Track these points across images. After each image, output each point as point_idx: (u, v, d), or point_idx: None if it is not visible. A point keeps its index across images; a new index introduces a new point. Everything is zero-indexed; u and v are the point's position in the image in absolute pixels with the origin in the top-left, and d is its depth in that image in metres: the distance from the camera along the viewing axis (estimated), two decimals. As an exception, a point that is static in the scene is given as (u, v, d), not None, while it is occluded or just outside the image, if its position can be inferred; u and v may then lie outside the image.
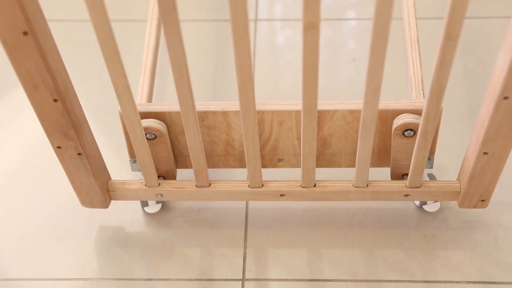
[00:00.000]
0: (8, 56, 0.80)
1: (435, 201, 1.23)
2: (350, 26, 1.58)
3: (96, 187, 1.09)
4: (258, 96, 1.42)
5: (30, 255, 1.22)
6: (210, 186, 1.13)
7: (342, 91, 1.43)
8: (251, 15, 1.58)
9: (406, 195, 1.13)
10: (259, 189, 1.13)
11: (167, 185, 1.14)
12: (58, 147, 0.98)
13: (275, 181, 1.14)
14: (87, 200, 1.13)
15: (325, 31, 1.55)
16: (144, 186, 1.13)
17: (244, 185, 1.13)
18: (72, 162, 1.02)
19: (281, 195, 1.14)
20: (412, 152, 1.09)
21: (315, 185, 1.13)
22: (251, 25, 1.56)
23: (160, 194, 1.14)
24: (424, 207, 1.24)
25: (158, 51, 1.29)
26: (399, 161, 1.13)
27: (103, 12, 0.77)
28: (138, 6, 1.61)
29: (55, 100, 0.87)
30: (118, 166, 1.31)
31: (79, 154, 0.99)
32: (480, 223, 1.24)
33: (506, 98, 0.88)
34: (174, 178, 1.17)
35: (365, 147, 1.01)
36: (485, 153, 1.00)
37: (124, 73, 0.87)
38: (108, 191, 1.14)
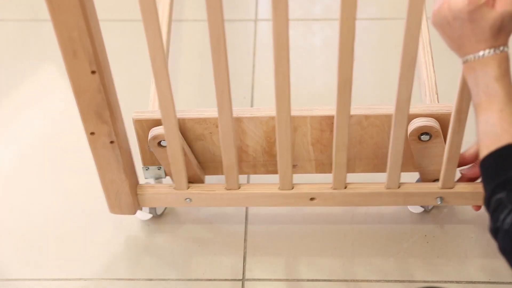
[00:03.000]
0: (51, 15, 0.80)
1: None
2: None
3: (126, 185, 1.07)
4: (257, 96, 1.42)
5: (30, 255, 1.21)
6: (240, 189, 1.11)
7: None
8: (251, 15, 1.58)
9: (439, 198, 1.11)
10: (289, 192, 1.11)
11: (196, 188, 1.12)
12: (92, 133, 0.97)
13: (305, 183, 1.12)
14: (115, 204, 1.11)
15: (325, 31, 1.55)
16: (174, 190, 1.11)
17: (274, 187, 1.11)
18: (104, 153, 1.01)
19: (311, 198, 1.12)
20: (435, 156, 1.08)
21: (346, 187, 1.11)
22: (251, 25, 1.57)
23: (189, 198, 1.13)
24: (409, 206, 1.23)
25: (169, 57, 1.28)
26: (426, 167, 1.12)
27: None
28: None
29: (93, 72, 0.87)
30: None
31: (111, 142, 0.99)
32: (480, 223, 1.23)
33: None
34: (202, 182, 1.15)
35: (398, 135, 0.99)
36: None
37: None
38: (137, 195, 1.12)
